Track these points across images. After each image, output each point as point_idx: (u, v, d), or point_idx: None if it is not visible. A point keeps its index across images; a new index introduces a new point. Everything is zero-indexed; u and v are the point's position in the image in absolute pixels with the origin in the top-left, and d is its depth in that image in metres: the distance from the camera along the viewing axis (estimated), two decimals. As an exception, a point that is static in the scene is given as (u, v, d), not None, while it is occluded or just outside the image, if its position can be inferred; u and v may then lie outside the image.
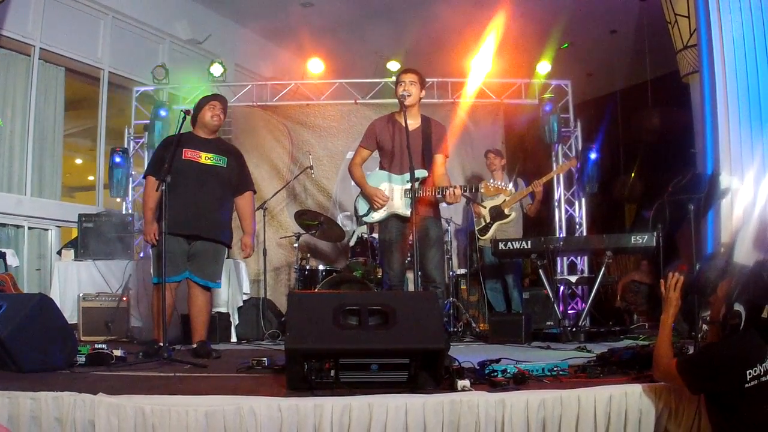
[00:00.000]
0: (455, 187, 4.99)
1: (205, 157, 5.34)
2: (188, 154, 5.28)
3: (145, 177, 5.53)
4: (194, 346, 5.23)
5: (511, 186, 7.88)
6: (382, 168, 5.40)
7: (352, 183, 8.90)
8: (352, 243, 7.67)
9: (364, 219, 5.47)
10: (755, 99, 5.73)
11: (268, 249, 7.77)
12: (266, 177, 9.16)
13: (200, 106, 5.47)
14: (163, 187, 4.76)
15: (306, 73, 9.43)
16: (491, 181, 5.15)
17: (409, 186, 5.08)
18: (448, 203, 5.22)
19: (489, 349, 5.54)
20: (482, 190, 5.16)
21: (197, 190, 5.23)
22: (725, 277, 3.27)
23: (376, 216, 5.34)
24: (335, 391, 3.11)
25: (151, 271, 5.35)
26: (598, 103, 12.33)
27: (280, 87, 9.46)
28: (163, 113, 8.85)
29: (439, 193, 5.08)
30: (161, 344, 4.99)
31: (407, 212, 5.12)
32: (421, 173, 5.05)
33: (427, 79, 5.50)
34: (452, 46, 9.49)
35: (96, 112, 9.37)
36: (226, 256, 5.64)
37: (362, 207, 5.43)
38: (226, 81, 9.41)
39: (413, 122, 5.23)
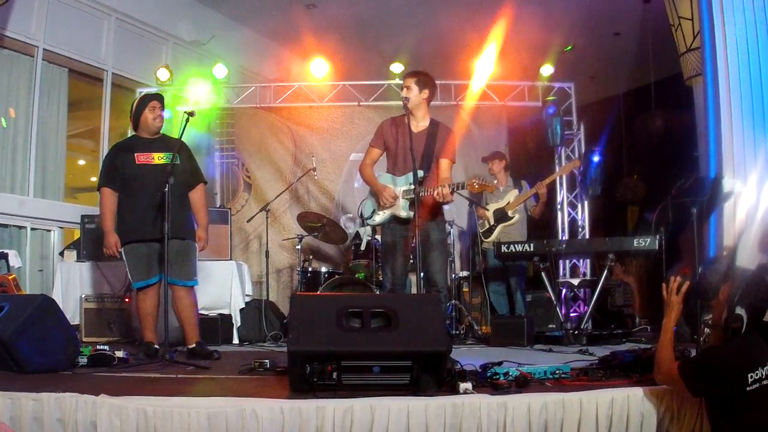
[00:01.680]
0: (443, 187, 4.98)
1: (158, 158, 5.26)
2: (141, 158, 5.24)
3: (99, 189, 5.39)
4: (192, 346, 5.22)
5: (509, 188, 7.97)
6: (388, 170, 5.41)
7: (355, 185, 9.01)
8: (363, 247, 7.65)
9: (368, 221, 5.49)
10: (758, 102, 5.72)
11: (270, 251, 7.78)
12: (269, 179, 9.18)
13: (140, 108, 5.37)
14: (166, 189, 4.74)
15: (309, 75, 9.43)
16: (476, 178, 5.12)
17: (406, 187, 5.10)
18: (441, 203, 5.20)
19: (491, 352, 5.54)
20: (467, 188, 5.13)
21: (157, 193, 5.03)
22: (727, 280, 3.26)
23: (378, 219, 5.36)
24: (337, 394, 3.11)
25: (129, 276, 5.28)
26: (601, 105, 12.31)
27: (284, 89, 9.46)
28: (166, 114, 8.84)
29: (425, 192, 5.06)
30: (157, 346, 5.00)
31: (404, 213, 5.14)
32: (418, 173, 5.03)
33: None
34: (456, 48, 9.48)
35: (99, 113, 9.38)
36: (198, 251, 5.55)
37: (367, 209, 5.45)
38: (229, 82, 9.42)
39: (420, 124, 5.27)
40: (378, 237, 7.38)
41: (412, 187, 4.88)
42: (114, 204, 5.27)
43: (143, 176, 5.16)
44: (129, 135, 9.02)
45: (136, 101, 5.52)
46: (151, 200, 5.08)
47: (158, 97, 5.50)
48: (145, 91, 9.25)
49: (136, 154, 5.24)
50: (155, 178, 5.08)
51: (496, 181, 5.84)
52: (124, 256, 5.24)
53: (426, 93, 5.29)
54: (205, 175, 5.73)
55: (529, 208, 8.06)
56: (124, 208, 5.27)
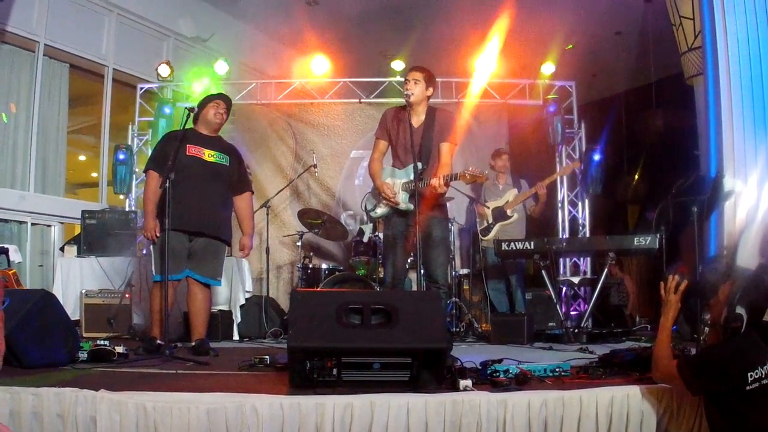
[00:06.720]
0: (438, 177, 4.95)
1: (209, 155, 5.32)
2: (192, 150, 5.26)
3: (146, 171, 5.45)
4: (193, 344, 5.23)
5: (508, 186, 7.97)
6: (392, 163, 5.39)
7: (356, 182, 9.03)
8: (365, 239, 7.64)
9: (370, 213, 5.49)
10: (759, 101, 5.72)
11: (271, 247, 7.79)
12: (269, 175, 9.17)
13: (204, 103, 5.47)
14: (167, 185, 4.75)
15: (310, 72, 9.42)
16: (470, 168, 5.07)
17: (406, 180, 5.09)
18: (439, 193, 5.15)
19: (491, 350, 5.55)
20: (460, 179, 5.04)
21: (201, 187, 5.22)
22: (727, 279, 3.26)
23: (379, 211, 5.35)
24: (337, 390, 3.11)
25: (152, 268, 5.33)
26: (602, 104, 12.31)
27: (285, 85, 9.45)
28: (167, 111, 8.87)
29: (425, 186, 5.04)
30: (160, 342, 4.99)
31: (404, 206, 5.13)
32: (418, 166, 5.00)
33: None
34: (457, 45, 9.48)
35: (100, 109, 9.40)
36: (226, 254, 5.64)
37: (370, 203, 5.44)
38: (230, 79, 9.42)
39: (420, 118, 5.23)
40: (380, 234, 7.40)
41: (411, 179, 4.89)
42: (158, 188, 5.20)
43: (190, 168, 5.18)
44: (126, 129, 9.20)
45: (204, 97, 5.61)
46: (194, 193, 5.15)
47: (224, 97, 5.56)
48: (146, 87, 9.28)
49: (188, 146, 5.26)
50: (201, 173, 5.20)
51: (487, 171, 5.78)
52: (151, 245, 5.27)
53: (431, 90, 5.25)
54: None
55: (528, 207, 8.06)
56: (165, 196, 5.26)
